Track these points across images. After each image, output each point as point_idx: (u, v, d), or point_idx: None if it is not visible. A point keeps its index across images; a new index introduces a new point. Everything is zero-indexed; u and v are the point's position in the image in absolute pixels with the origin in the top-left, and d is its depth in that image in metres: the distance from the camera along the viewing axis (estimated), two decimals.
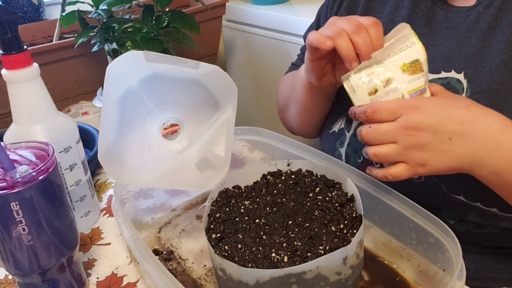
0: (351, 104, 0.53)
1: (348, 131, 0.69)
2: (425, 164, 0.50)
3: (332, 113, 0.74)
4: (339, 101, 0.73)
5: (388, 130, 0.50)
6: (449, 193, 0.59)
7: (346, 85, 0.54)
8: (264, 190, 0.56)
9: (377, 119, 0.51)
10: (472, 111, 0.50)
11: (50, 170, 0.47)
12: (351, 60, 0.53)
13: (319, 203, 0.52)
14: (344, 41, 0.52)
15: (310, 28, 0.88)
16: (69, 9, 1.00)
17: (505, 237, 0.63)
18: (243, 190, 0.57)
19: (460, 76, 0.60)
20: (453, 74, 0.61)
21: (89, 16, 0.96)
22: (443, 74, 0.61)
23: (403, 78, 0.53)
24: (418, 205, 0.52)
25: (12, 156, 0.48)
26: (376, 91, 0.53)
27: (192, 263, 0.58)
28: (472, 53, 0.60)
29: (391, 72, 0.53)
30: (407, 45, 0.53)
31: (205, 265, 0.57)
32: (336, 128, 0.72)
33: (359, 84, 0.54)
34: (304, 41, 0.84)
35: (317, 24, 0.83)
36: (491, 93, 0.57)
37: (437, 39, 0.64)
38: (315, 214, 0.50)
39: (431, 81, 0.57)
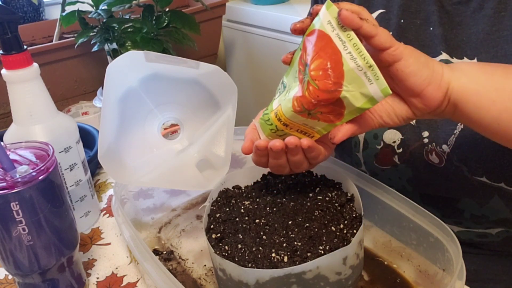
0: None
1: None
2: None
3: None
4: None
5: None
6: (471, 176, 0.58)
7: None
8: (264, 190, 0.56)
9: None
10: None
11: (50, 170, 0.47)
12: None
13: (319, 203, 0.51)
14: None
15: None
16: (69, 9, 1.00)
17: (507, 245, 0.63)
18: (243, 190, 0.57)
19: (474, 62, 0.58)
20: (466, 61, 0.59)
21: (89, 16, 0.97)
22: (455, 61, 0.60)
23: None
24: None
25: (12, 156, 0.48)
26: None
27: (192, 263, 0.58)
28: (481, 39, 0.58)
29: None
30: None
31: (205, 265, 0.57)
32: None
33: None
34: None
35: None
36: None
37: (442, 30, 0.63)
38: (315, 214, 0.50)
39: None
